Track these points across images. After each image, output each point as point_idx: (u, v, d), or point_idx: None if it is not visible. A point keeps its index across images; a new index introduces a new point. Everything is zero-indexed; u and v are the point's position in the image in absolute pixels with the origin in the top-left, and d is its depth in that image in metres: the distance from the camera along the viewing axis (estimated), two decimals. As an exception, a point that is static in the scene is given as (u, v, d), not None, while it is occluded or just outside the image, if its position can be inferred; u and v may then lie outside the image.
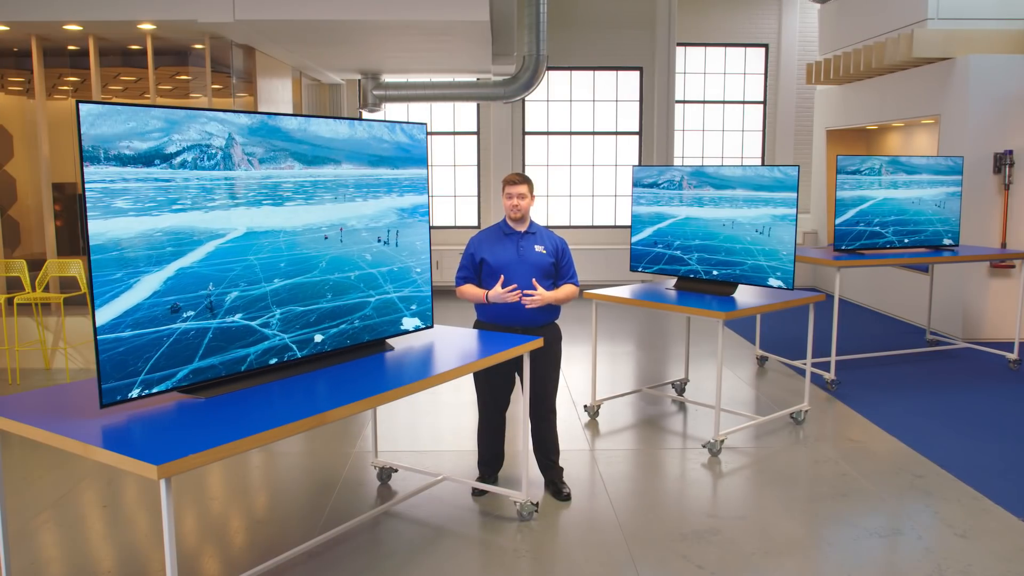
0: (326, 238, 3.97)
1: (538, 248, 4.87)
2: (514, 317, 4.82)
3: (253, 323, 3.63)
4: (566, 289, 4.93)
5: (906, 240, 8.07)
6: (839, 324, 7.33)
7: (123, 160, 3.07)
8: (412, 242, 4.48)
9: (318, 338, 3.96)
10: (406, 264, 4.45)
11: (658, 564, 4.17)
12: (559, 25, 13.08)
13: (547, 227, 5.04)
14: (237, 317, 3.56)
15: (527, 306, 4.75)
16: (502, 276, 4.76)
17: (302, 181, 3.83)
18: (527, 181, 4.89)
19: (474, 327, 4.95)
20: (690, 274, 6.46)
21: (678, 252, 6.51)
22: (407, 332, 4.49)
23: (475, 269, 4.90)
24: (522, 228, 4.91)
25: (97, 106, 2.99)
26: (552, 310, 4.94)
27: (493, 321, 4.89)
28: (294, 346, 3.83)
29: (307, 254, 3.88)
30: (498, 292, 4.72)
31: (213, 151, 3.41)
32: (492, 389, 4.99)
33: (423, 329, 4.60)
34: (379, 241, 4.26)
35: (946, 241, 8.24)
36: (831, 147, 12.58)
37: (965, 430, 6.19)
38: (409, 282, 4.48)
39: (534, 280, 4.78)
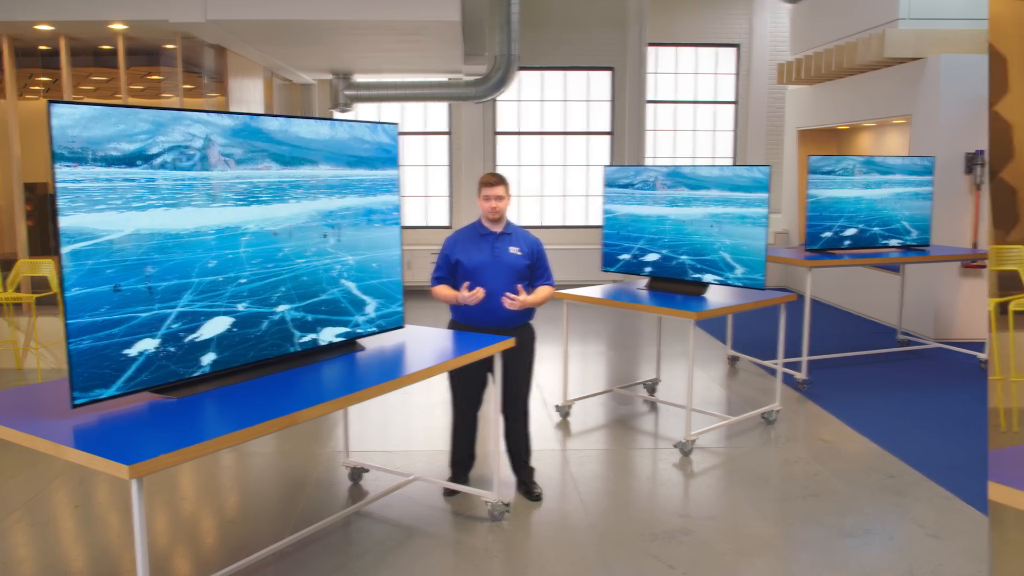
0: (278, 235, 3.82)
1: (513, 249, 4.86)
2: (488, 318, 4.81)
3: None
4: (543, 292, 4.92)
5: (877, 240, 8.14)
6: (810, 324, 7.38)
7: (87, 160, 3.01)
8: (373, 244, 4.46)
9: None
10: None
11: (629, 564, 4.19)
12: (530, 25, 13.07)
13: (521, 227, 5.02)
14: None
15: (507, 307, 4.73)
16: (467, 282, 4.74)
17: (258, 181, 3.68)
18: (503, 182, 4.87)
19: (448, 327, 4.94)
20: (661, 274, 6.49)
21: (650, 252, 6.54)
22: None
23: (450, 270, 4.88)
24: (498, 229, 4.89)
25: (69, 107, 2.96)
26: (527, 311, 4.93)
27: (467, 322, 4.88)
28: None
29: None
30: (464, 295, 4.70)
31: (191, 152, 3.37)
32: (465, 389, 4.98)
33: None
34: (324, 237, 4.07)
35: (915, 241, 8.32)
36: (802, 147, 12.67)
37: (936, 430, 6.24)
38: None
39: (520, 287, 4.78)
